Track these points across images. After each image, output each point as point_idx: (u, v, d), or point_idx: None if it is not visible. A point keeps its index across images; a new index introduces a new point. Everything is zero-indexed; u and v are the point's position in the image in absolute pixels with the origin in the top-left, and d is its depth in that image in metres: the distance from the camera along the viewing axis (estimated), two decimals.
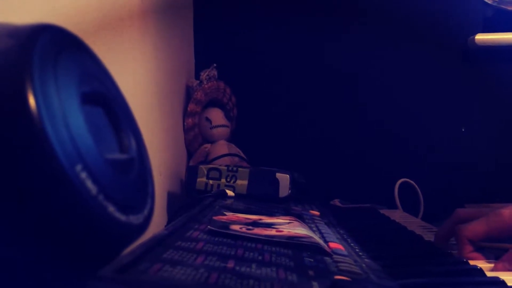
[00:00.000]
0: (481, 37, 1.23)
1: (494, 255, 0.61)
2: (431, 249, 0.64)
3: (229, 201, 0.80)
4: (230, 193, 0.87)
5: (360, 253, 0.56)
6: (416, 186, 1.22)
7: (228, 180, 0.93)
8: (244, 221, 0.56)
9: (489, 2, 1.24)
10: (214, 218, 0.55)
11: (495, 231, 0.61)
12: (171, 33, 1.11)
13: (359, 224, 0.84)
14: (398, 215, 1.01)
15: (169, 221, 0.92)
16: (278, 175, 0.92)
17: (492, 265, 0.56)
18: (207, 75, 1.20)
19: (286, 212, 0.75)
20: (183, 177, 1.09)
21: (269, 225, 0.55)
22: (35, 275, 0.24)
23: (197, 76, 1.23)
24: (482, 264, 0.54)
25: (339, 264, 0.44)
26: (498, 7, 1.24)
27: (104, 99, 0.29)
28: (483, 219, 0.62)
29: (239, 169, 0.93)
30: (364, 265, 0.49)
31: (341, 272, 0.42)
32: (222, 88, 1.23)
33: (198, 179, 0.94)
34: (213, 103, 1.24)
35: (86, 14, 0.62)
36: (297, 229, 0.54)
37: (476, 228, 0.62)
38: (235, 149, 1.23)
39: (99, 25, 0.66)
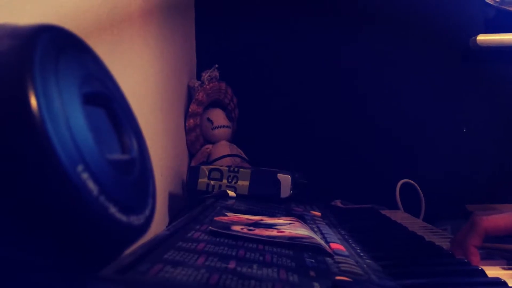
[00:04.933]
0: (483, 38, 1.23)
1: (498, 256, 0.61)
2: (432, 250, 0.64)
3: (230, 202, 0.80)
4: (231, 193, 0.87)
5: (361, 254, 0.56)
6: (418, 186, 1.22)
7: (230, 180, 0.92)
8: (246, 221, 0.56)
9: (491, 3, 1.24)
10: (216, 218, 0.55)
11: None
12: (173, 33, 1.11)
13: (360, 225, 0.84)
14: (399, 216, 1.01)
15: (170, 222, 0.92)
16: (280, 175, 0.91)
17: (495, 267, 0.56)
18: (209, 75, 1.20)
19: (287, 213, 0.75)
20: (184, 178, 1.09)
21: (270, 226, 0.55)
22: (36, 276, 0.24)
23: (198, 77, 1.23)
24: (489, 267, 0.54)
25: (340, 264, 0.44)
26: (499, 8, 1.24)
27: (106, 99, 0.29)
28: (508, 215, 0.60)
29: (241, 169, 0.93)
30: (365, 265, 0.49)
31: (342, 272, 0.42)
32: (223, 89, 1.23)
33: (200, 180, 0.94)
34: (215, 104, 1.25)
35: (87, 14, 0.62)
36: (298, 230, 0.54)
37: (498, 221, 0.60)
38: (237, 150, 1.23)
39: (100, 25, 0.66)
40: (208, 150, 1.21)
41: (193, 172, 0.95)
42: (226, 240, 0.45)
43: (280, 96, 1.34)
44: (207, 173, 0.94)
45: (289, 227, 0.55)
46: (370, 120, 1.31)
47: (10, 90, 0.22)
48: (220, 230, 0.48)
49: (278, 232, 0.51)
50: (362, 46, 1.31)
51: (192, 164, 1.19)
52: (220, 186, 0.92)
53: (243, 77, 1.32)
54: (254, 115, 1.32)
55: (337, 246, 0.53)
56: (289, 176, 0.92)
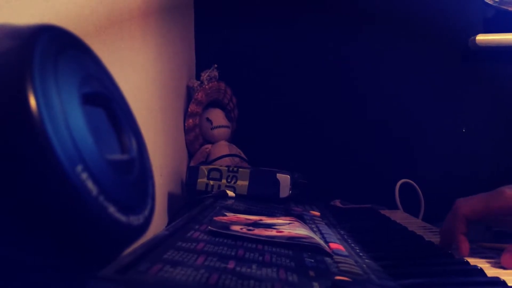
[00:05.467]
0: (482, 38, 1.23)
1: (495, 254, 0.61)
2: (432, 250, 0.64)
3: (229, 202, 0.80)
4: (230, 193, 0.87)
5: (361, 254, 0.56)
6: (417, 186, 1.22)
7: (229, 180, 0.92)
8: (245, 221, 0.56)
9: (490, 2, 1.24)
10: (215, 218, 0.55)
11: (495, 210, 0.59)
12: (172, 33, 1.11)
13: (359, 225, 0.84)
14: (398, 216, 1.01)
15: (169, 222, 0.92)
16: (279, 175, 0.91)
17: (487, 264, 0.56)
18: (208, 75, 1.20)
19: (286, 213, 0.75)
20: (183, 178, 1.09)
21: (269, 226, 0.55)
22: (35, 276, 0.24)
23: (198, 77, 1.23)
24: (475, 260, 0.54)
25: (339, 264, 0.44)
26: (499, 7, 1.24)
27: (105, 99, 0.29)
28: (483, 197, 0.60)
29: (240, 169, 0.93)
30: (364, 265, 0.49)
31: (342, 272, 0.42)
32: (223, 89, 1.23)
33: (199, 180, 0.94)
34: (214, 103, 1.24)
35: (86, 14, 0.62)
36: (297, 230, 0.54)
37: (475, 205, 0.60)
38: (236, 150, 1.23)
39: (99, 25, 0.66)
40: (208, 150, 1.21)
41: (192, 172, 0.95)
42: (225, 240, 0.45)
43: (279, 96, 1.34)
44: (206, 173, 0.94)
45: (289, 227, 0.55)
46: (369, 120, 1.31)
47: (9, 90, 0.22)
48: (220, 230, 0.48)
49: (277, 232, 0.52)
50: (362, 46, 1.31)
51: (191, 164, 1.19)
52: (219, 186, 0.92)
53: (243, 77, 1.32)
54: (253, 115, 1.32)
55: (336, 246, 0.53)
56: (288, 176, 0.92)
